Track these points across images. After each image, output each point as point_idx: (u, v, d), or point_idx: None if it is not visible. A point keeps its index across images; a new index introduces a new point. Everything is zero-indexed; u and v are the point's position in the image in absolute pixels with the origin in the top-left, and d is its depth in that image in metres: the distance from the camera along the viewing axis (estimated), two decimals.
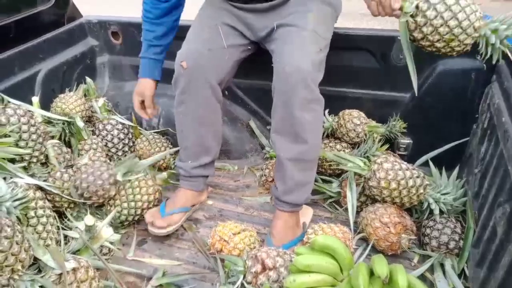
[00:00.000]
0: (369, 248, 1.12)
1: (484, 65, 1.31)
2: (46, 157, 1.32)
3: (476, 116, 1.35)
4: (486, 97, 1.27)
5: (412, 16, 0.94)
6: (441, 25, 0.91)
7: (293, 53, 1.09)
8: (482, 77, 1.34)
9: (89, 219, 1.03)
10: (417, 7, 0.92)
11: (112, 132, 1.58)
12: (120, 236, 1.17)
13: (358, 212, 1.30)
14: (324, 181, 1.47)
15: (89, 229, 1.04)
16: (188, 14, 1.44)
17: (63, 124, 1.47)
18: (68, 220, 1.15)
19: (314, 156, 1.21)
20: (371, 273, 0.80)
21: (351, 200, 1.27)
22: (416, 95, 1.05)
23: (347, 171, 1.34)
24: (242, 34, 1.30)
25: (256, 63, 1.39)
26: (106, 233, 1.09)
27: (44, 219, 1.05)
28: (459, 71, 1.35)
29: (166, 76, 1.77)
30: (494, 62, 0.94)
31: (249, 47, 1.33)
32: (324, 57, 1.19)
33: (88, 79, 1.70)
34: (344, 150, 1.48)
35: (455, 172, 1.36)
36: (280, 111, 1.13)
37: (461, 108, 1.41)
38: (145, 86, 1.39)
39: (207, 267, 1.21)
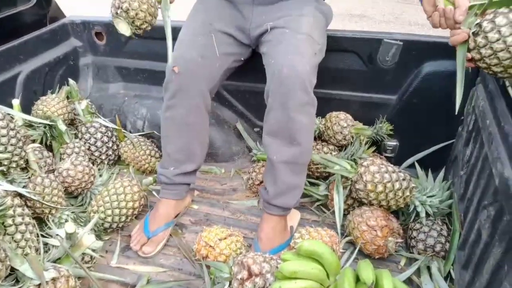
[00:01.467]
0: (356, 251, 1.11)
1: (469, 67, 1.32)
2: (27, 161, 1.28)
3: (462, 118, 1.36)
4: (471, 100, 1.28)
5: (473, 33, 0.86)
6: (502, 50, 0.81)
7: (289, 55, 1.08)
8: (467, 79, 1.34)
9: (69, 227, 0.99)
10: (480, 25, 0.84)
11: (95, 135, 1.54)
12: (103, 243, 1.14)
13: (345, 215, 1.30)
14: (311, 184, 1.46)
15: (70, 236, 1.01)
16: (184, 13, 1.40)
17: (45, 127, 1.43)
18: (49, 227, 1.12)
19: (307, 159, 1.21)
20: (358, 279, 0.79)
21: (338, 203, 1.26)
22: (456, 113, 0.95)
23: (334, 174, 1.33)
24: (235, 40, 1.28)
25: (244, 65, 1.38)
26: (88, 240, 1.06)
27: (22, 227, 1.02)
28: (445, 74, 1.36)
29: (151, 77, 1.76)
30: None
31: (242, 58, 1.32)
32: (318, 62, 1.18)
33: (71, 81, 1.67)
34: (331, 153, 1.47)
35: (441, 174, 1.37)
36: (275, 113, 1.12)
37: (447, 110, 1.41)
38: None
39: (193, 273, 1.19)
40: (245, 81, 1.61)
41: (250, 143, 1.69)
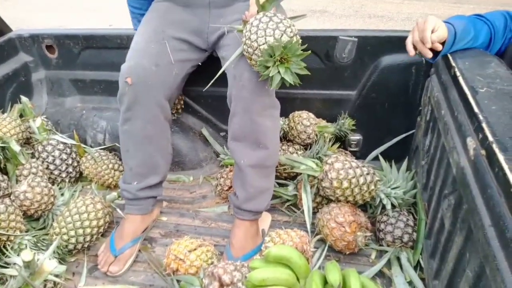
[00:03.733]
0: (325, 249, 1.11)
1: (423, 59, 1.35)
2: None
3: (420, 109, 1.39)
4: (426, 90, 1.30)
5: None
6: (247, 42, 0.98)
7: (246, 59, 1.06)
8: (422, 70, 1.38)
9: (26, 255, 0.94)
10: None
11: (53, 153, 1.48)
12: (66, 267, 1.09)
13: (315, 213, 1.31)
14: (280, 185, 1.46)
15: (28, 264, 0.96)
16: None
17: None
18: (7, 256, 1.06)
19: (274, 162, 1.20)
20: (326, 281, 0.79)
21: (306, 202, 1.27)
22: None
23: (301, 174, 1.33)
24: (191, 46, 1.25)
25: (204, 70, 1.35)
26: (49, 266, 1.01)
27: None
28: (400, 66, 1.39)
29: (109, 88, 1.70)
30: (271, 87, 0.97)
31: (198, 63, 1.29)
32: None
33: (23, 98, 1.58)
34: (297, 152, 1.47)
35: (404, 164, 1.39)
36: (239, 118, 1.11)
37: (405, 101, 1.45)
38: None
39: None
40: (206, 86, 1.58)
41: (217, 148, 1.67)
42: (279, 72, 0.94)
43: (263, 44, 0.94)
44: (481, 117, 0.82)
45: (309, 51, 0.97)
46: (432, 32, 1.07)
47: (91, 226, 1.23)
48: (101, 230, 1.27)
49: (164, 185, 1.36)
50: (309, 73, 0.97)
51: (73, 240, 1.21)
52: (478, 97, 0.88)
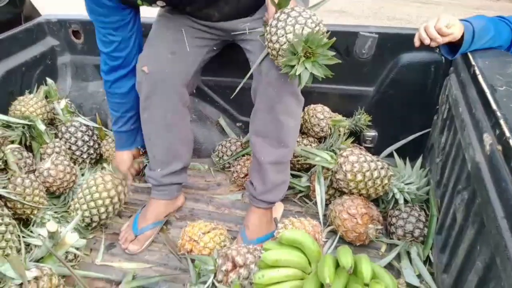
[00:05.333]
0: (336, 239, 1.14)
1: (443, 57, 1.36)
2: (5, 162, 1.26)
3: (437, 108, 1.40)
4: (445, 89, 1.31)
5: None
6: (271, 38, 0.95)
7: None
8: (441, 69, 1.39)
9: (51, 225, 0.99)
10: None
11: (75, 135, 1.53)
12: (86, 241, 1.14)
13: (327, 205, 1.33)
14: (293, 176, 1.48)
15: (52, 235, 1.01)
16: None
17: (23, 128, 1.41)
18: (30, 227, 1.11)
19: (291, 157, 1.22)
20: (337, 265, 0.81)
21: (319, 193, 1.29)
22: None
23: (315, 165, 1.35)
24: (208, 33, 1.24)
25: (224, 60, 1.38)
26: (71, 239, 1.05)
27: (2, 228, 1.01)
28: (420, 64, 1.40)
29: None
30: (300, 87, 0.95)
31: (215, 48, 1.27)
32: None
33: (49, 80, 1.64)
34: (311, 145, 1.50)
35: (419, 162, 1.41)
36: (263, 115, 1.11)
37: (423, 100, 1.46)
38: (120, 159, 1.39)
39: (178, 268, 1.19)
40: (226, 76, 1.62)
41: (233, 138, 1.70)
42: (306, 68, 0.88)
43: (284, 43, 0.90)
44: (499, 114, 0.83)
45: (334, 38, 0.90)
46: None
47: (102, 197, 1.24)
48: (116, 204, 1.27)
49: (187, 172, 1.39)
50: (340, 61, 0.91)
51: (86, 213, 1.23)
52: (497, 95, 0.89)
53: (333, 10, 4.74)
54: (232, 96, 1.14)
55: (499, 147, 0.79)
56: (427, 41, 1.11)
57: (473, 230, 0.85)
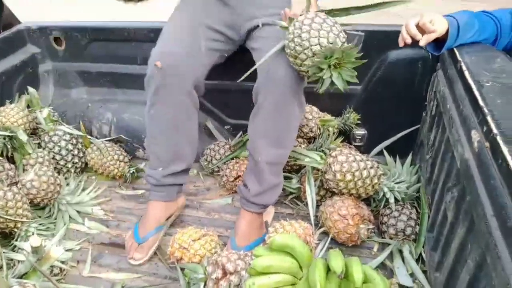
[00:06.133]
0: (328, 241, 1.12)
1: (429, 54, 1.35)
2: None
3: (425, 104, 1.39)
4: (432, 85, 1.31)
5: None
6: (295, 45, 0.95)
7: (284, 56, 1.04)
8: (428, 65, 1.38)
9: (34, 240, 0.96)
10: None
11: (59, 144, 1.49)
12: (71, 254, 1.11)
13: (318, 206, 1.31)
14: (284, 177, 1.45)
15: (36, 250, 0.98)
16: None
17: (4, 139, 1.37)
18: (14, 241, 1.07)
19: (287, 159, 1.21)
20: (329, 269, 0.80)
21: (310, 194, 1.27)
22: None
23: (305, 167, 1.34)
24: (224, 36, 1.24)
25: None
26: (56, 252, 1.02)
27: None
28: (406, 61, 1.39)
29: (117, 81, 1.71)
30: (319, 91, 0.96)
31: (226, 54, 1.28)
32: None
33: (30, 89, 1.60)
34: (300, 146, 1.48)
35: (409, 159, 1.40)
36: (265, 114, 1.09)
37: (411, 96, 1.45)
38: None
39: (168, 277, 1.17)
40: (212, 79, 1.59)
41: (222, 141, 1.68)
42: (331, 76, 0.92)
43: (316, 44, 0.92)
44: (486, 110, 0.82)
45: (366, 60, 0.96)
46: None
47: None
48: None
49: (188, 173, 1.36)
50: (358, 82, 0.97)
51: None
52: (484, 91, 0.89)
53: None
54: (240, 79, 1.07)
55: (487, 144, 0.78)
56: (408, 41, 1.11)
57: (463, 228, 0.84)
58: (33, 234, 1.16)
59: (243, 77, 1.07)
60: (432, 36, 1.09)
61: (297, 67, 0.99)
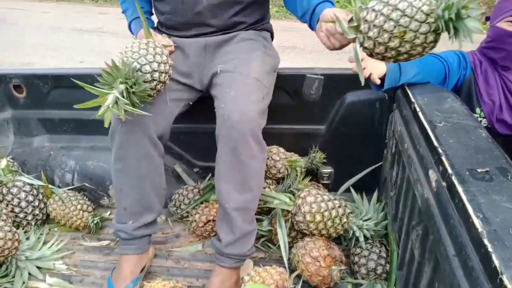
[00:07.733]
0: (300, 285, 1.10)
1: (386, 94, 1.42)
2: None
3: (386, 142, 1.45)
4: (390, 124, 1.37)
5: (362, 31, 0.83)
6: (385, 22, 0.78)
7: (238, 100, 1.08)
8: (385, 105, 1.45)
9: None
10: (366, 21, 0.81)
11: (18, 195, 1.42)
12: None
13: (290, 248, 1.30)
14: None
15: None
16: None
17: None
18: None
19: (257, 204, 1.20)
20: None
21: (282, 237, 1.26)
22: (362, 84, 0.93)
23: (275, 208, 1.34)
24: (186, 86, 1.26)
25: None
26: None
27: None
28: (365, 102, 1.45)
29: (80, 127, 1.68)
30: (462, 38, 0.75)
31: (190, 102, 1.30)
32: (267, 105, 1.19)
33: None
34: (269, 187, 1.48)
35: (375, 196, 1.43)
36: (226, 158, 1.11)
37: (373, 134, 1.51)
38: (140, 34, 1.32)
39: None
40: (179, 123, 1.59)
41: (191, 184, 1.66)
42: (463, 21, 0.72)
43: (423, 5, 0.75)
44: (440, 150, 0.86)
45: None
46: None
47: None
48: None
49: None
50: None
51: None
52: (437, 131, 0.94)
53: (286, 47, 4.91)
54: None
55: (444, 184, 0.81)
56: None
57: (429, 267, 0.86)
58: None
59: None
60: (366, 73, 1.15)
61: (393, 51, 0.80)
